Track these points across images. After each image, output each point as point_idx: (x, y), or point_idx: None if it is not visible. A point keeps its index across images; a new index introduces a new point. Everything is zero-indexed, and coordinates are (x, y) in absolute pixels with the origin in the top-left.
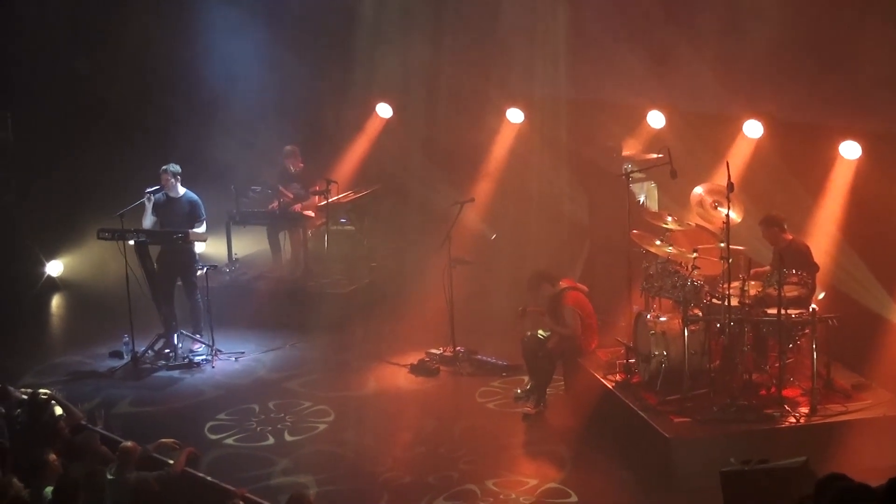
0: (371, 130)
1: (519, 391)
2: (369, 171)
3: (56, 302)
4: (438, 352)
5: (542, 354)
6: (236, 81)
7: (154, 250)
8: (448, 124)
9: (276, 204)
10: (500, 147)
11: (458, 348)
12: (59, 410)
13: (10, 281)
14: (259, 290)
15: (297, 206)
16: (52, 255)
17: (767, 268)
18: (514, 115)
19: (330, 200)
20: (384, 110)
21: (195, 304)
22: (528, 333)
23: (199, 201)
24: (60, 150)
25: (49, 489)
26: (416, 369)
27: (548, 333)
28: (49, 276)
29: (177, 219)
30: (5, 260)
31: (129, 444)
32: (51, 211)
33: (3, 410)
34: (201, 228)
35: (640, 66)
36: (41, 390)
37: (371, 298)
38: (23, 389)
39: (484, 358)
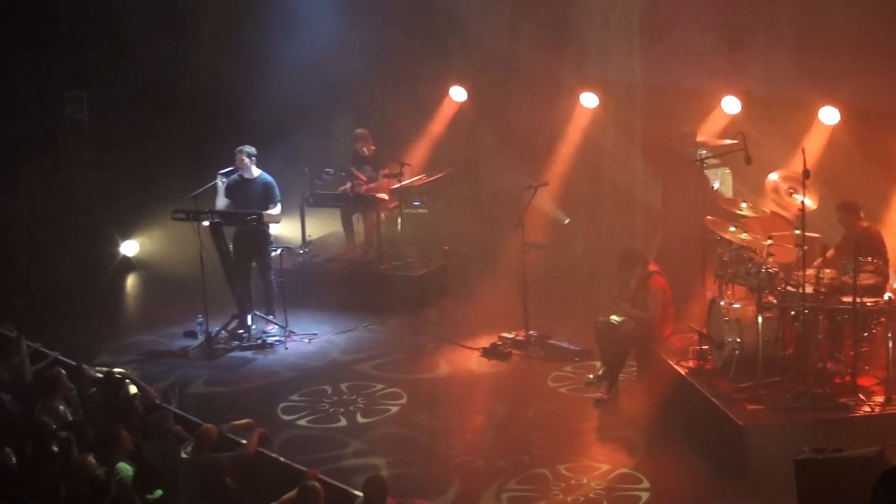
0: (445, 113)
1: (591, 377)
2: (442, 154)
3: (131, 282)
4: (511, 336)
5: (615, 340)
6: (312, 63)
7: (229, 232)
8: (522, 108)
9: (348, 186)
10: (574, 131)
11: (531, 332)
12: (133, 389)
13: (86, 261)
14: (332, 272)
15: (370, 189)
16: (127, 235)
17: (832, 252)
18: (589, 100)
19: (403, 183)
20: (458, 94)
21: (269, 285)
22: (601, 318)
23: (274, 183)
24: (135, 131)
25: (122, 465)
26: (488, 353)
27: (621, 318)
28: (124, 256)
29: (251, 200)
30: (81, 240)
31: (208, 426)
32: (126, 191)
33: (75, 389)
34: (275, 210)
35: (715, 51)
36: (116, 369)
37: (444, 282)
38: (98, 368)
39: (556, 342)
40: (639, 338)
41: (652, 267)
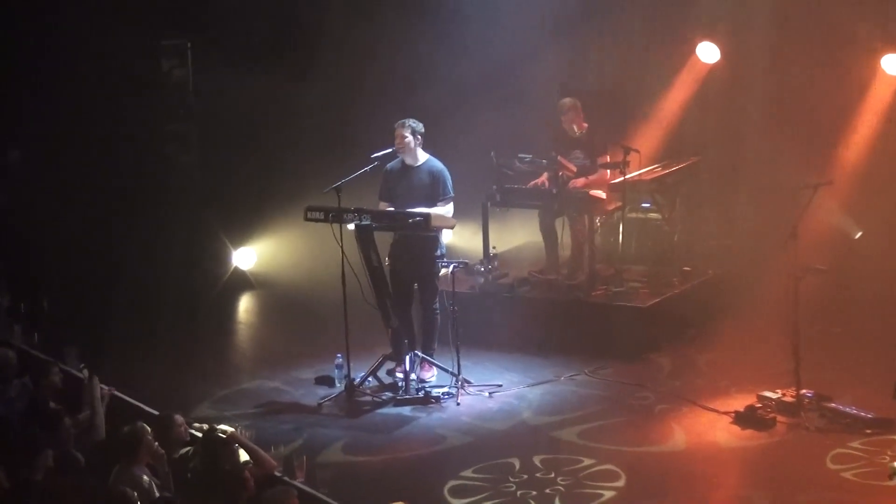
0: (688, 80)
1: None
2: (684, 136)
3: (246, 305)
4: (775, 395)
5: None
6: (498, 8)
7: (383, 241)
8: (798, 74)
9: (542, 179)
10: (872, 109)
11: (804, 392)
12: (244, 456)
13: (188, 275)
14: (525, 300)
15: (581, 183)
16: (242, 240)
17: None
18: (894, 65)
19: (628, 176)
20: (708, 52)
21: (431, 315)
22: None
23: (446, 172)
24: (258, 95)
25: None
26: (742, 419)
27: None
28: (237, 270)
29: (414, 194)
30: (182, 246)
31: None
32: (242, 179)
33: (163, 452)
34: (446, 209)
35: None
36: (221, 427)
37: (683, 316)
38: (197, 424)
39: (841, 407)
40: None
41: None
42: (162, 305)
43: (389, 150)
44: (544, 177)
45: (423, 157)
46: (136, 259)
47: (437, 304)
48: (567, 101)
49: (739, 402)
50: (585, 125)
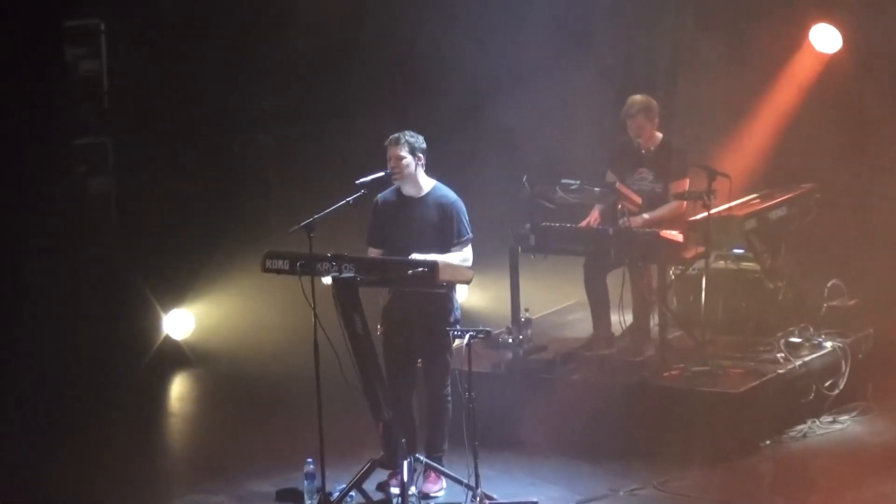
0: (797, 77)
1: None
2: (792, 156)
3: (180, 388)
4: None
5: None
6: None
7: (373, 299)
8: None
9: (594, 217)
10: None
11: None
12: None
13: (101, 347)
14: (569, 383)
15: (647, 220)
16: (174, 300)
17: None
18: None
19: (713, 211)
20: (825, 39)
21: (439, 404)
22: None
23: (460, 204)
24: (199, 98)
25: None
26: None
27: None
28: (168, 339)
29: (417, 236)
30: (93, 308)
31: None
32: (176, 214)
33: None
34: (461, 255)
35: None
36: None
37: (789, 405)
38: None
39: None
40: None
41: None
42: (66, 388)
43: (381, 173)
44: (596, 213)
45: (427, 184)
46: (29, 325)
47: (448, 389)
48: (638, 98)
49: None
50: (659, 135)
